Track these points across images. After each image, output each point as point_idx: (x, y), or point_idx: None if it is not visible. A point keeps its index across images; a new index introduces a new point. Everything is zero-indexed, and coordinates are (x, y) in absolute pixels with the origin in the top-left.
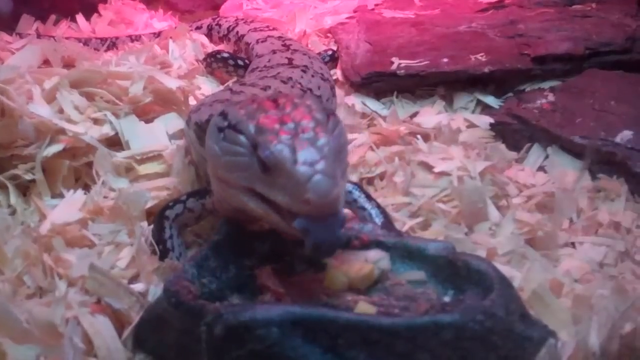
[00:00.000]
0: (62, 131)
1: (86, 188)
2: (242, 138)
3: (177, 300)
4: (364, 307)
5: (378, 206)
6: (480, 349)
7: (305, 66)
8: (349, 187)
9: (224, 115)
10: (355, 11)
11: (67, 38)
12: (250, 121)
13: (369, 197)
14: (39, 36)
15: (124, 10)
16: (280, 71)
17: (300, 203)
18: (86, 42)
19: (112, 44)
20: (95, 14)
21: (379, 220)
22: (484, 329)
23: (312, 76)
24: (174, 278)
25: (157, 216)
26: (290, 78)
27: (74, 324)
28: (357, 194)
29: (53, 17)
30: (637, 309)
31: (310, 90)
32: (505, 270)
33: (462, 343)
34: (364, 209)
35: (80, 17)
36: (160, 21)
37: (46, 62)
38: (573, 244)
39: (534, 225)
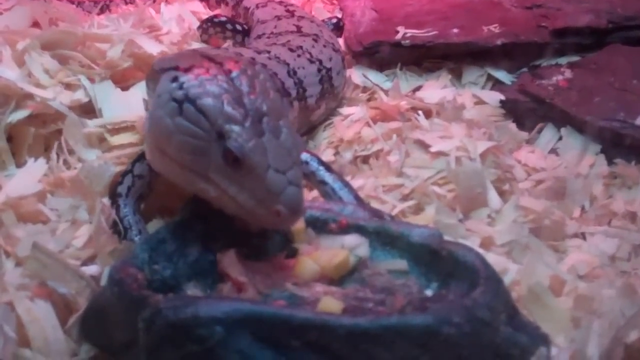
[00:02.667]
0: (30, 96)
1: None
2: (204, 120)
3: (119, 290)
4: (329, 303)
5: (341, 180)
6: (455, 356)
7: (316, 35)
8: (306, 157)
9: (178, 83)
10: None
11: (60, 0)
12: (212, 100)
13: (329, 170)
14: None
15: None
16: (290, 39)
17: (268, 213)
18: (79, 4)
19: (105, 7)
20: None
21: (345, 197)
22: (461, 334)
23: (324, 46)
24: (119, 264)
25: (109, 195)
26: (300, 47)
27: (6, 310)
28: (315, 165)
29: None
30: None
31: (321, 61)
32: (501, 262)
33: (434, 349)
34: (324, 183)
35: None
36: None
37: (36, 24)
38: (583, 235)
39: (540, 213)
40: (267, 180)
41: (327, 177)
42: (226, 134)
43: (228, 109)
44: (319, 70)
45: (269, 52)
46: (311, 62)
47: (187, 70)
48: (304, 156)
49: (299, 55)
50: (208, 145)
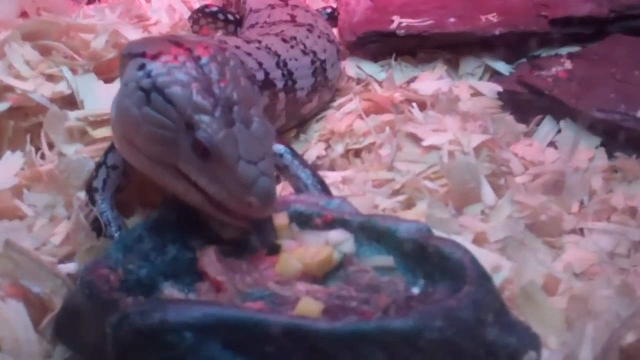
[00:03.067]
0: (11, 88)
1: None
2: (172, 110)
3: (89, 292)
4: (308, 305)
5: (315, 175)
6: None
7: (311, 25)
8: (280, 149)
9: (145, 71)
10: None
11: None
12: (181, 89)
13: (303, 164)
14: None
15: None
16: (283, 29)
17: (239, 205)
18: None
19: None
20: None
21: (316, 194)
22: (444, 338)
23: (319, 37)
24: (91, 265)
25: (86, 190)
26: (294, 37)
27: None
28: (289, 159)
29: None
30: None
31: (315, 53)
32: (495, 259)
33: (415, 354)
34: (297, 177)
35: None
36: None
37: (24, 15)
38: (581, 231)
39: (537, 208)
40: (238, 172)
41: (301, 171)
42: (195, 125)
43: (197, 98)
44: (313, 63)
45: (259, 42)
46: (305, 53)
47: (154, 57)
48: (278, 148)
49: (292, 47)
50: (177, 135)
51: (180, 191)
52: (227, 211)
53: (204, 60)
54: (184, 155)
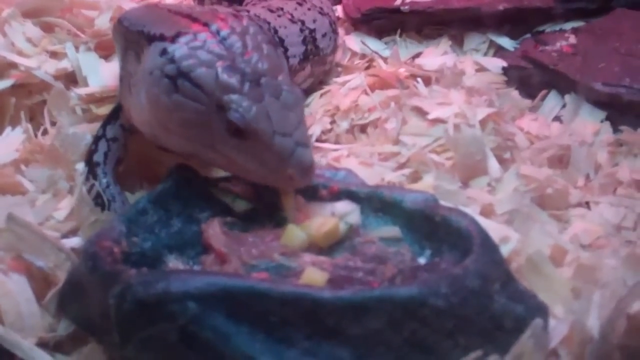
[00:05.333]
0: (14, 65)
1: (39, 129)
2: (201, 94)
3: (93, 264)
4: (312, 275)
5: None
6: (443, 329)
7: None
8: None
9: (168, 57)
10: None
11: None
12: (206, 70)
13: None
14: None
15: None
16: (272, 2)
17: (281, 178)
18: None
19: None
20: None
21: None
22: (449, 305)
23: (309, 9)
24: (94, 237)
25: (86, 166)
26: (281, 8)
27: None
28: None
29: None
30: None
31: (303, 22)
32: (502, 230)
33: (421, 322)
34: None
35: None
36: None
37: None
38: (587, 204)
39: (543, 182)
40: (274, 146)
41: None
42: (226, 105)
43: (223, 77)
44: (302, 31)
45: (248, 11)
46: (293, 22)
47: (174, 39)
48: None
49: (279, 16)
50: (210, 118)
51: (223, 165)
52: (271, 183)
53: (223, 33)
54: (219, 136)
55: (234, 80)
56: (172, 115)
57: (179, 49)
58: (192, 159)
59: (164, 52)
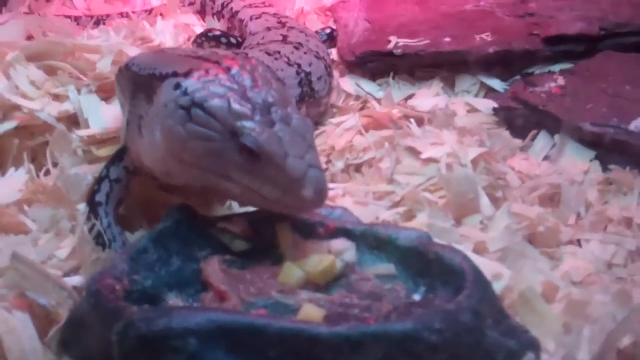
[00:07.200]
0: (18, 107)
1: (41, 170)
2: (215, 122)
3: (96, 302)
4: (309, 311)
5: None
6: None
7: (300, 43)
8: None
9: (182, 90)
10: None
11: (57, 16)
12: (220, 101)
13: None
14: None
15: None
16: (270, 47)
17: (295, 200)
18: (76, 19)
19: (101, 21)
20: None
21: None
22: (444, 340)
23: (305, 53)
24: (98, 275)
25: (88, 205)
26: (278, 52)
27: None
28: None
29: None
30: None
31: (300, 65)
32: (495, 267)
33: (416, 357)
34: None
35: None
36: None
37: (31, 38)
38: (579, 242)
39: (534, 220)
40: (287, 168)
41: None
42: (239, 131)
43: (236, 106)
44: (298, 74)
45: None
46: (289, 65)
47: (187, 74)
48: None
49: (276, 59)
50: (223, 145)
51: (237, 195)
52: (286, 207)
53: (234, 70)
54: (233, 163)
55: (245, 108)
56: (187, 145)
57: (192, 83)
58: (204, 193)
59: (177, 86)
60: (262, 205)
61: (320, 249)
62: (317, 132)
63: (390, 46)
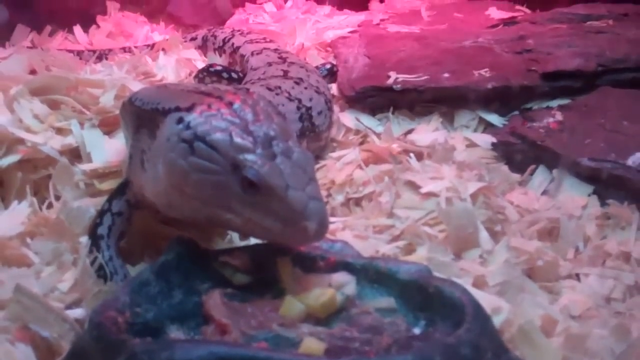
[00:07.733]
0: (21, 141)
1: (44, 203)
2: (216, 155)
3: (98, 334)
4: (310, 345)
5: None
6: None
7: (300, 79)
8: None
9: (184, 124)
10: (359, 25)
11: (60, 49)
12: (222, 134)
13: None
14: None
15: (123, 23)
16: (270, 82)
17: (296, 232)
18: (79, 54)
19: (103, 55)
20: (94, 26)
21: None
22: None
23: (305, 88)
24: (100, 307)
25: (90, 238)
26: (279, 87)
27: None
28: None
29: (49, 28)
30: (638, 352)
31: (300, 100)
32: (494, 301)
33: None
34: None
35: (77, 29)
36: (162, 34)
37: (33, 72)
38: (577, 276)
39: (533, 254)
40: (288, 199)
41: None
42: (240, 164)
43: (237, 139)
44: (298, 109)
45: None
46: (290, 100)
47: (189, 109)
48: None
49: (277, 94)
50: (225, 178)
51: (238, 227)
52: (287, 239)
53: (236, 105)
54: (235, 195)
55: (247, 142)
56: (189, 178)
57: (195, 117)
58: (206, 225)
59: (180, 120)
60: (263, 237)
61: (321, 282)
62: (317, 166)
63: (390, 81)
